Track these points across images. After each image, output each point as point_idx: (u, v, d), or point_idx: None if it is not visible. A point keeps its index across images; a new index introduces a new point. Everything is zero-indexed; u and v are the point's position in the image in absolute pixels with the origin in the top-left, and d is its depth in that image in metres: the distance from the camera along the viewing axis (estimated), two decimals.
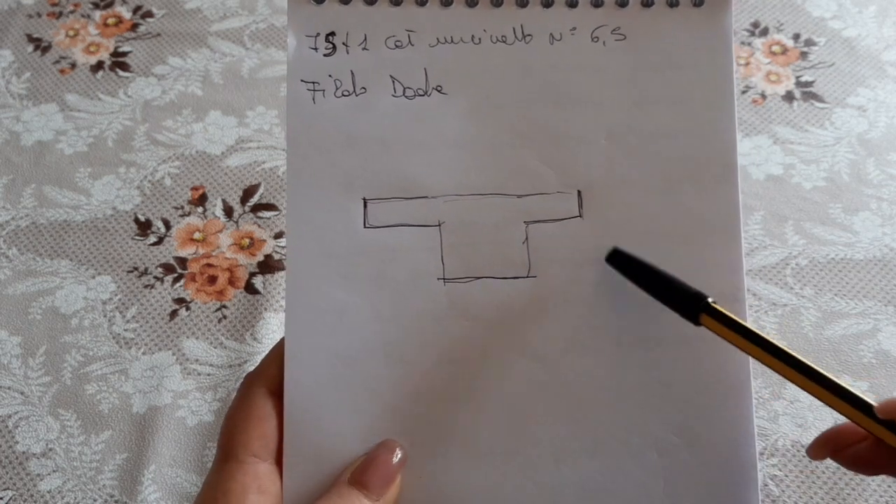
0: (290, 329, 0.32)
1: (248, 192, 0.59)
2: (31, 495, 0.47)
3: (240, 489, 0.30)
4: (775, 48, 0.66)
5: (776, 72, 0.65)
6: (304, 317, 0.32)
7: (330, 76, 0.33)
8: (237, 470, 0.31)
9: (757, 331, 0.29)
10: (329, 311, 0.32)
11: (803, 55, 0.66)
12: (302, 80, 0.33)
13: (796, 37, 0.67)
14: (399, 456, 0.32)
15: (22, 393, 0.50)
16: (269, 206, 0.58)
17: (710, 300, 0.30)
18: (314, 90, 0.33)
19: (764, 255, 0.55)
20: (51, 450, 0.48)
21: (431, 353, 0.32)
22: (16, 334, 0.53)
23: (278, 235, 0.57)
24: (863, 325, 0.52)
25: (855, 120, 0.62)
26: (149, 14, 0.69)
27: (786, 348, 0.29)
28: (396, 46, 0.33)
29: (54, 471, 0.47)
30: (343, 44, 0.33)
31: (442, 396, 0.32)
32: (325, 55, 0.33)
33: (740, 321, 0.30)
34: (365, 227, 0.33)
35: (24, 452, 0.48)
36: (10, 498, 0.47)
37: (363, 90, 0.33)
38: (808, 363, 0.28)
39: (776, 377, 0.50)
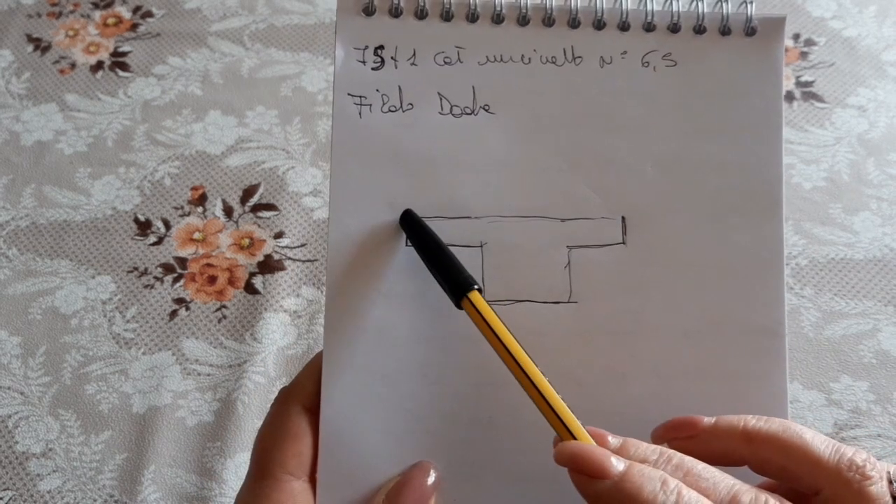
0: (329, 345, 0.32)
1: (247, 192, 0.59)
2: (31, 495, 0.47)
3: None
4: None
5: None
6: (343, 334, 0.32)
7: (377, 91, 0.32)
8: (272, 488, 0.30)
9: (502, 335, 0.29)
10: (368, 328, 0.32)
11: (803, 55, 0.66)
12: (349, 94, 0.32)
13: (796, 37, 0.67)
14: (433, 478, 0.31)
15: (22, 393, 0.50)
16: (269, 206, 0.58)
17: (477, 287, 0.30)
18: (361, 104, 0.32)
19: None
20: (51, 450, 0.48)
21: (469, 375, 0.32)
22: (16, 334, 0.53)
23: (278, 235, 0.57)
24: (863, 325, 0.52)
25: (855, 120, 0.62)
26: (148, 14, 0.69)
27: (521, 360, 0.29)
28: (445, 63, 0.33)
29: (54, 471, 0.47)
30: (392, 58, 0.32)
31: (478, 419, 0.32)
32: (373, 69, 0.32)
33: (493, 320, 0.29)
34: (406, 245, 0.32)
35: (23, 452, 0.48)
36: (10, 498, 0.47)
37: (410, 106, 0.33)
38: (537, 383, 0.28)
39: None
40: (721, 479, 0.27)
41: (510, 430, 0.32)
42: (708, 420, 0.30)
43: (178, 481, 0.47)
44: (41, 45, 0.67)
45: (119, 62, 0.66)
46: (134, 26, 0.68)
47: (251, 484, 0.31)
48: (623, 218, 0.33)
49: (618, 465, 0.26)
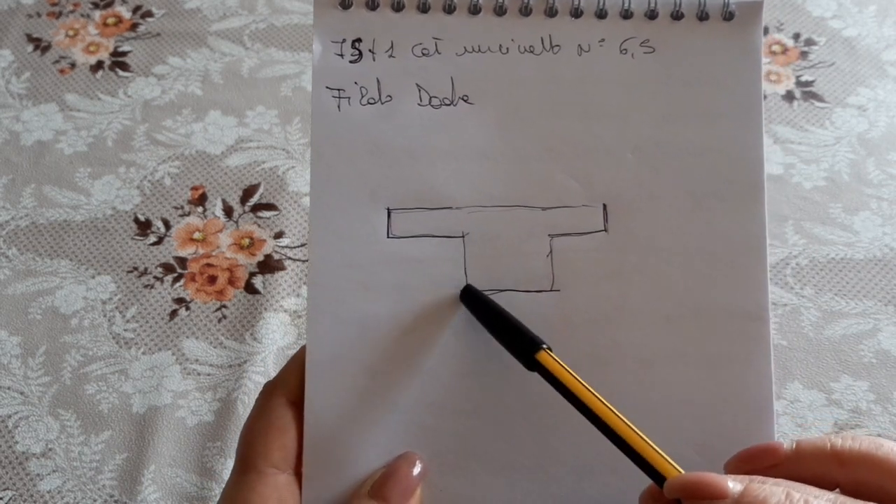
0: (312, 339, 0.32)
1: (247, 192, 0.59)
2: (31, 495, 0.47)
3: (259, 500, 0.30)
4: (775, 48, 0.66)
5: (776, 71, 0.65)
6: (326, 327, 0.32)
7: (355, 83, 0.32)
8: (256, 481, 0.30)
9: (580, 391, 0.29)
10: (351, 321, 0.32)
11: (803, 55, 0.66)
12: (327, 87, 0.32)
13: (796, 36, 0.67)
14: (419, 469, 0.31)
15: (22, 393, 0.50)
16: (269, 206, 0.58)
17: (544, 347, 0.30)
18: (339, 97, 0.32)
19: None
20: (50, 450, 0.48)
21: (453, 365, 0.32)
22: (15, 334, 0.53)
23: (278, 235, 0.57)
24: (863, 325, 0.52)
25: (855, 120, 0.62)
26: (148, 14, 0.69)
27: (603, 412, 0.28)
28: (423, 54, 0.33)
29: (54, 471, 0.47)
30: (369, 51, 0.33)
31: (463, 410, 0.32)
32: (350, 62, 0.32)
33: (567, 378, 0.29)
34: (388, 237, 0.32)
35: (23, 452, 0.48)
36: (10, 498, 0.47)
37: (389, 98, 0.33)
38: (621, 430, 0.28)
39: (776, 378, 0.50)
40: (828, 497, 0.26)
41: (495, 421, 0.32)
42: (788, 445, 0.29)
43: (178, 481, 0.47)
44: (41, 45, 0.67)
45: (119, 62, 0.66)
46: (134, 26, 0.68)
47: (236, 478, 0.31)
48: (604, 205, 0.33)
49: (735, 484, 0.26)
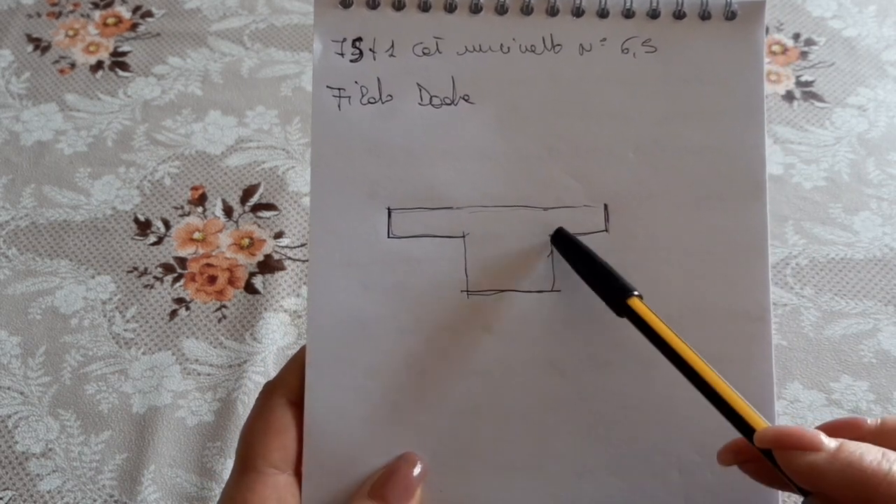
0: (311, 338, 0.32)
1: (247, 192, 0.59)
2: (31, 495, 0.47)
3: (259, 501, 0.30)
4: (775, 48, 0.66)
5: (776, 71, 0.65)
6: (326, 327, 0.32)
7: (356, 83, 0.32)
8: (256, 481, 0.30)
9: (670, 338, 0.29)
10: (351, 321, 0.32)
11: (803, 55, 0.66)
12: (328, 87, 0.32)
13: (796, 36, 0.67)
14: (419, 469, 0.31)
15: (22, 393, 0.50)
16: (269, 206, 0.58)
17: (636, 293, 0.30)
18: (340, 97, 0.32)
19: None
20: (50, 450, 0.48)
21: (453, 365, 0.32)
22: (15, 334, 0.53)
23: (278, 235, 0.57)
24: (863, 325, 0.52)
25: (855, 120, 0.62)
26: (148, 14, 0.69)
27: (692, 361, 0.28)
28: (424, 54, 0.32)
29: (54, 471, 0.47)
30: (370, 50, 0.32)
31: (463, 410, 0.32)
32: (351, 61, 0.32)
33: (657, 323, 0.29)
34: (388, 236, 0.32)
35: (23, 452, 0.48)
36: (10, 498, 0.47)
37: (389, 97, 0.32)
38: (710, 380, 0.28)
39: (776, 378, 0.50)
40: None
41: (495, 421, 0.32)
42: (872, 421, 0.29)
43: (178, 481, 0.47)
44: (41, 45, 0.67)
45: (119, 62, 0.66)
46: (134, 26, 0.68)
47: (236, 478, 0.31)
48: (605, 205, 0.33)
49: (830, 441, 0.26)
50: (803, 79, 0.64)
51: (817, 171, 0.59)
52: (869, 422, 0.29)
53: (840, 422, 0.29)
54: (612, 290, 0.30)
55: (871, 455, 0.25)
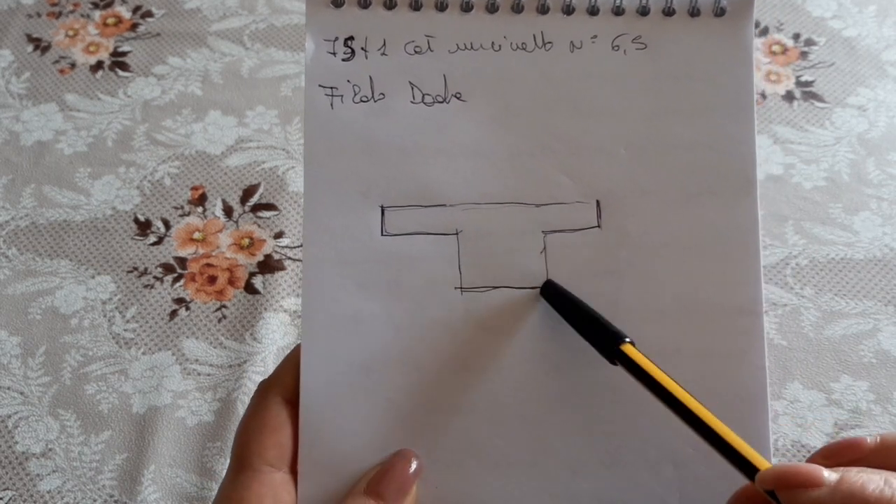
0: (306, 337, 0.32)
1: (247, 192, 0.59)
2: (31, 495, 0.47)
3: (254, 499, 0.30)
4: (775, 48, 0.66)
5: (776, 71, 0.65)
6: (320, 325, 0.32)
7: (348, 81, 0.33)
8: (252, 479, 0.30)
9: (666, 382, 0.29)
10: (345, 319, 0.32)
11: (803, 55, 0.66)
12: (320, 86, 0.33)
13: (796, 36, 0.67)
14: (415, 466, 0.32)
15: (22, 393, 0.50)
16: (269, 206, 0.58)
17: (627, 340, 0.30)
18: (332, 95, 0.33)
19: (764, 255, 0.55)
20: (50, 450, 0.48)
21: (448, 362, 0.32)
22: (15, 334, 0.53)
23: (278, 235, 0.57)
24: (863, 325, 0.52)
25: (855, 120, 0.62)
26: (148, 14, 0.69)
27: (691, 404, 0.28)
28: (416, 52, 0.33)
29: (54, 471, 0.47)
30: (362, 49, 0.33)
31: (458, 406, 0.32)
32: (343, 60, 0.33)
33: (651, 368, 0.29)
34: (382, 234, 0.32)
35: (23, 452, 0.48)
36: (10, 498, 0.47)
37: (381, 96, 0.33)
38: (710, 422, 0.28)
39: (776, 378, 0.50)
40: None
41: (490, 417, 0.32)
42: (871, 439, 0.29)
43: (178, 481, 0.47)
44: (41, 45, 0.67)
45: (119, 62, 0.66)
46: (134, 26, 0.68)
47: (231, 476, 0.31)
48: (597, 202, 0.33)
49: (830, 474, 0.26)
50: (803, 79, 0.64)
51: (817, 171, 0.59)
52: (868, 440, 0.29)
53: (841, 444, 0.29)
54: (604, 337, 0.30)
55: (872, 484, 0.25)
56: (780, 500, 0.26)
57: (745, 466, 0.27)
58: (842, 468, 0.26)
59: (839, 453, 0.29)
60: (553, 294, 0.32)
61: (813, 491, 0.25)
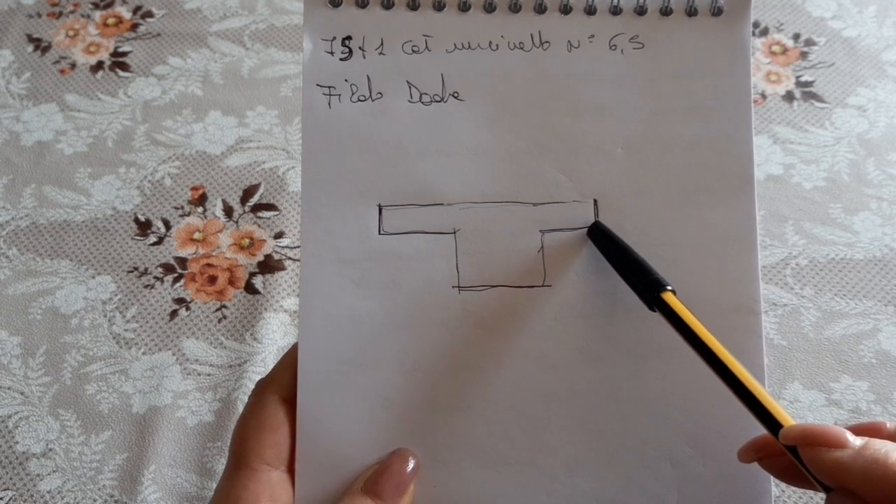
0: (304, 335, 0.32)
1: (247, 192, 0.59)
2: (31, 495, 0.47)
3: (252, 497, 0.30)
4: (775, 48, 0.66)
5: (776, 72, 0.65)
6: (318, 323, 0.32)
7: (346, 81, 0.33)
8: (249, 478, 0.30)
9: (702, 332, 0.29)
10: (342, 318, 0.32)
11: (803, 55, 0.66)
12: (318, 85, 0.33)
13: (796, 37, 0.67)
14: (412, 464, 0.32)
15: (22, 393, 0.50)
16: (269, 206, 0.58)
17: (669, 288, 0.30)
18: (330, 95, 0.33)
19: (764, 255, 0.55)
20: (51, 450, 0.48)
21: (445, 361, 0.32)
22: (16, 334, 0.53)
23: (278, 235, 0.57)
24: (863, 325, 0.52)
25: (855, 120, 0.62)
26: (149, 14, 0.69)
27: (722, 356, 0.28)
28: (413, 52, 0.33)
29: (54, 471, 0.47)
30: (359, 48, 0.33)
31: (455, 405, 0.32)
32: (341, 59, 0.33)
33: (689, 318, 0.29)
34: (380, 233, 0.32)
35: (24, 452, 0.48)
36: (10, 498, 0.47)
37: (379, 95, 0.33)
38: (739, 375, 0.28)
39: (776, 378, 0.50)
40: None
41: (488, 416, 0.32)
42: (892, 424, 0.29)
43: (178, 481, 0.47)
44: (41, 45, 0.67)
45: (119, 62, 0.66)
46: (134, 26, 0.68)
47: (229, 475, 0.31)
48: (595, 201, 0.33)
49: (855, 439, 0.26)
50: (803, 79, 0.64)
51: (817, 172, 0.59)
52: (888, 425, 0.29)
53: (861, 425, 0.29)
54: (646, 284, 0.30)
55: (895, 454, 0.25)
56: (802, 458, 0.26)
57: (769, 421, 0.27)
58: (866, 437, 0.26)
59: (860, 433, 0.29)
60: (600, 236, 0.32)
61: (836, 451, 0.26)
